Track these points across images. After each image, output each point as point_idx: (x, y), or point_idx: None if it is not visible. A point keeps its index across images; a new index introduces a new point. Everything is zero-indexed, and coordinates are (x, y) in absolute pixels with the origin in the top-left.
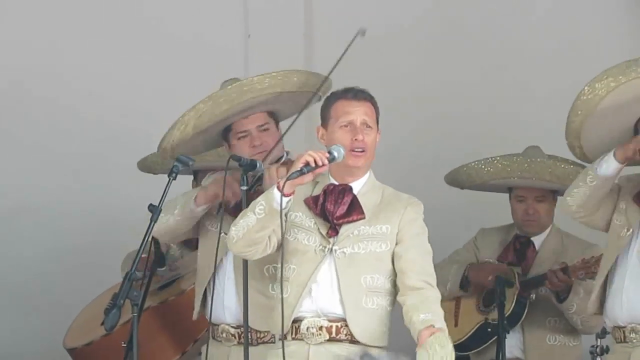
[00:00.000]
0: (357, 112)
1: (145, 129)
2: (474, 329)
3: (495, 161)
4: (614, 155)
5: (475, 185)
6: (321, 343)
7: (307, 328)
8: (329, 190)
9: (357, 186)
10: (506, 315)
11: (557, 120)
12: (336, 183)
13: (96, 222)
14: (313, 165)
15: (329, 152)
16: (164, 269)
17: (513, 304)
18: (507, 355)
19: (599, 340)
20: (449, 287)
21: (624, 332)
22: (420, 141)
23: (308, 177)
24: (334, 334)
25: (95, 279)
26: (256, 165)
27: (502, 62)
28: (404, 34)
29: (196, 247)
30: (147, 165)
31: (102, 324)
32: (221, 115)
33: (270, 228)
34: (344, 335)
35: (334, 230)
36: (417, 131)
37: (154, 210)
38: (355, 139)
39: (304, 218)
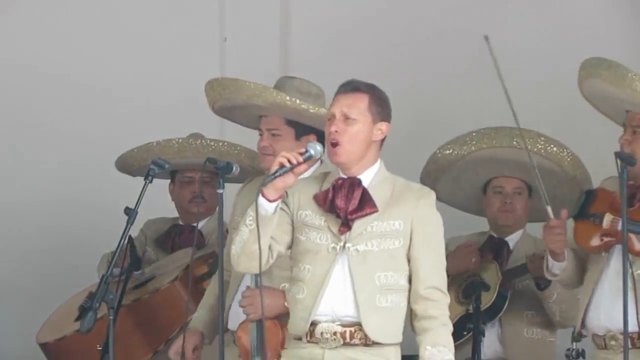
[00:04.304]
0: (338, 104)
1: (122, 130)
2: (455, 321)
3: (480, 133)
4: (553, 259)
5: (459, 165)
6: (336, 347)
7: (322, 333)
8: (337, 185)
9: (367, 178)
10: (487, 306)
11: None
12: (345, 177)
13: (72, 224)
14: (288, 165)
15: (306, 150)
16: (139, 272)
17: (495, 295)
18: (487, 349)
19: (574, 343)
20: None
21: (604, 340)
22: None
23: (290, 179)
24: (348, 339)
25: (71, 280)
26: (232, 169)
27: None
28: (380, 34)
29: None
30: (125, 164)
31: (76, 320)
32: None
33: (266, 237)
34: (357, 340)
35: (346, 226)
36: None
37: (130, 213)
38: (329, 132)
39: (314, 216)
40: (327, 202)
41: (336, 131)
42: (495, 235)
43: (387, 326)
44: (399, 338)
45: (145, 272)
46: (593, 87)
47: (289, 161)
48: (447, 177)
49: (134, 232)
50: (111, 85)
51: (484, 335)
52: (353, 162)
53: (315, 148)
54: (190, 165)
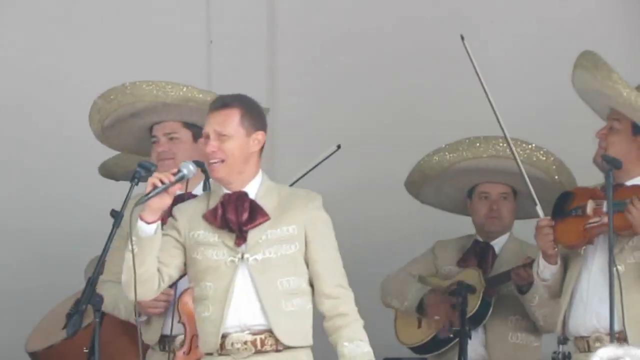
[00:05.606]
0: (209, 124)
1: None
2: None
3: (466, 142)
4: (545, 261)
5: (445, 174)
6: (248, 357)
7: (232, 344)
8: (225, 201)
9: (252, 190)
10: (471, 313)
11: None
12: (230, 192)
13: (60, 230)
14: (160, 185)
15: (178, 170)
16: None
17: (479, 303)
18: (472, 354)
19: (560, 346)
20: (405, 305)
21: (587, 342)
22: (378, 143)
23: (166, 199)
24: (259, 347)
25: (59, 285)
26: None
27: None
28: (366, 38)
29: None
30: (107, 170)
31: (64, 327)
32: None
33: (150, 261)
34: (269, 346)
35: (241, 238)
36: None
37: (116, 216)
38: (206, 152)
39: (207, 234)
40: (218, 219)
41: (212, 151)
42: (480, 239)
43: (296, 329)
44: (309, 341)
45: None
46: (579, 79)
47: (162, 181)
48: (433, 183)
49: None
50: (98, 88)
51: (470, 338)
52: (233, 176)
53: (188, 167)
54: None
